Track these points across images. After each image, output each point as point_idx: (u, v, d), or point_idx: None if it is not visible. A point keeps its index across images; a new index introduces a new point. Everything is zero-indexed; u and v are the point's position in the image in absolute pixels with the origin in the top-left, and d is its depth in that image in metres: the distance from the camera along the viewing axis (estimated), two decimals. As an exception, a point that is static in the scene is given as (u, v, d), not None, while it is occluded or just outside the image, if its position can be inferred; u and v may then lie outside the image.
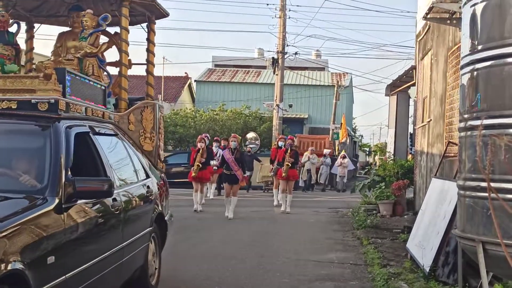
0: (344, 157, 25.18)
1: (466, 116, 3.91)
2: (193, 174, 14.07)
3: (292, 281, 6.94)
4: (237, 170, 12.74)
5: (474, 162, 3.78)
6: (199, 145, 14.17)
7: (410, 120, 22.03)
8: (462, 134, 4.05)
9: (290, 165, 14.31)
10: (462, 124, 4.05)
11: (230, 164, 12.81)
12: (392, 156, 18.28)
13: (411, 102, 18.98)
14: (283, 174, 14.40)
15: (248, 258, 8.28)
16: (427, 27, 12.16)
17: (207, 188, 16.84)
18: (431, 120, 11.56)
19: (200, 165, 13.85)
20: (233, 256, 8.48)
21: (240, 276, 7.17)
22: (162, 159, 7.56)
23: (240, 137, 12.99)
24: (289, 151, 14.57)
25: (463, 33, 4.31)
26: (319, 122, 34.58)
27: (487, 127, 3.51)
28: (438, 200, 7.60)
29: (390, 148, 20.45)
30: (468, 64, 3.95)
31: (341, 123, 29.98)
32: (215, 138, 16.58)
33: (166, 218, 6.64)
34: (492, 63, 3.68)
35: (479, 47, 3.80)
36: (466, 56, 4.04)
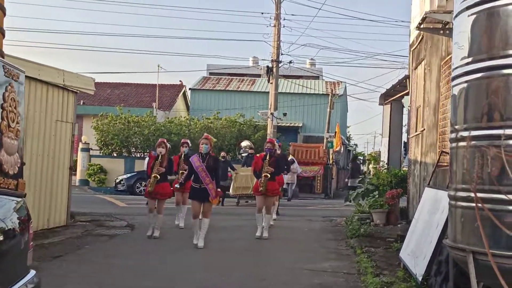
0: (292, 162, 21.18)
1: (457, 127, 3.95)
2: (148, 189, 10.88)
3: (286, 290, 6.96)
4: (208, 183, 9.63)
5: (464, 173, 3.82)
6: (158, 150, 11.00)
7: (404, 129, 22.13)
8: (453, 144, 4.09)
9: (269, 176, 11.12)
10: (453, 135, 4.10)
11: (199, 174, 9.65)
12: (386, 165, 18.31)
13: (405, 111, 19.06)
14: (260, 189, 11.13)
15: (241, 267, 8.30)
16: (421, 37, 12.24)
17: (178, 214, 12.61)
18: (424, 129, 11.62)
19: (158, 177, 10.70)
20: (226, 264, 8.50)
21: (235, 285, 7.18)
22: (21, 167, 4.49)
23: (214, 139, 10.67)
24: (267, 158, 11.30)
25: (454, 44, 4.36)
26: (313, 131, 34.64)
27: (476, 138, 3.56)
28: (431, 209, 7.64)
29: (384, 157, 20.47)
30: (458, 76, 4.00)
31: (335, 132, 30.03)
32: (182, 141, 13.21)
33: None
34: (482, 75, 3.73)
35: (470, 59, 3.85)
36: (457, 68, 4.09)
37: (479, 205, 2.46)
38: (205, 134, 11.29)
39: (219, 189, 9.90)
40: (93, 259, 8.65)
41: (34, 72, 10.65)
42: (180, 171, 11.87)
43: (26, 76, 10.31)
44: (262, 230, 11.11)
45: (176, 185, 10.99)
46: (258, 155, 12.52)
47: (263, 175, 11.07)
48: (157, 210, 10.82)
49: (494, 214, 3.20)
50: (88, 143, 27.65)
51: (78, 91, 12.69)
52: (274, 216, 12.23)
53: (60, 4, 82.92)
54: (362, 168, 24.82)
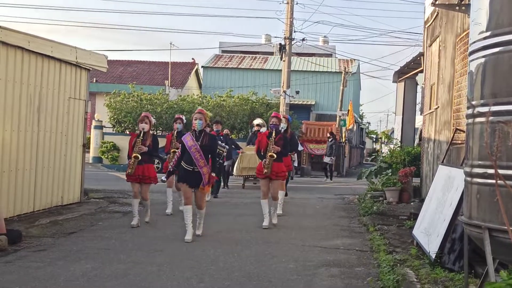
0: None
1: (474, 102, 3.89)
2: (129, 171, 9.31)
3: (298, 267, 6.97)
4: (202, 166, 8.16)
5: (481, 149, 3.77)
6: (140, 126, 9.37)
7: (418, 107, 21.96)
8: (470, 120, 4.03)
9: (275, 156, 9.49)
10: (469, 111, 4.03)
11: (193, 155, 8.17)
12: (399, 143, 18.26)
13: (419, 89, 18.92)
14: (264, 171, 9.55)
15: (252, 244, 8.33)
16: (436, 13, 12.08)
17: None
18: (438, 107, 11.53)
19: (139, 157, 9.12)
20: (238, 241, 8.52)
21: (246, 262, 7.21)
22: None
23: (209, 113, 8.88)
24: (273, 135, 9.63)
25: (471, 19, 4.27)
26: (326, 109, 34.52)
27: (494, 113, 3.50)
28: (445, 187, 7.60)
29: (397, 135, 20.39)
30: (476, 51, 3.93)
31: (348, 110, 29.89)
32: (176, 116, 11.86)
33: None
34: (500, 49, 3.65)
35: (488, 33, 3.77)
36: (474, 42, 4.01)
37: (500, 181, 2.42)
38: (199, 108, 9.73)
39: (213, 174, 8.45)
40: (106, 235, 8.71)
41: (47, 49, 10.64)
42: (172, 150, 10.74)
43: (41, 54, 10.36)
44: (270, 218, 9.78)
45: (162, 178, 9.54)
46: (262, 132, 11.02)
47: (268, 155, 9.44)
48: (142, 196, 9.47)
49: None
50: (101, 121, 27.76)
51: (91, 69, 12.69)
52: (275, 220, 9.97)
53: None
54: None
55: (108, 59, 13.47)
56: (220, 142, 12.74)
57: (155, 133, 10.18)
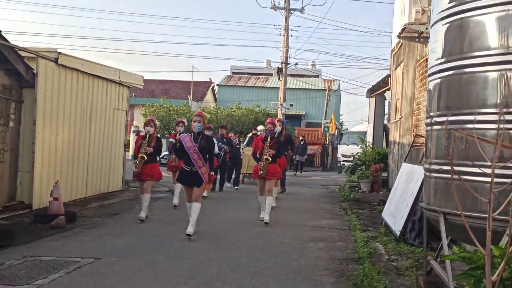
0: None
1: (432, 114, 3.87)
2: (135, 170, 8.18)
3: (292, 241, 6.95)
4: (201, 167, 6.92)
5: (437, 150, 3.75)
6: (146, 129, 8.26)
7: (385, 117, 21.89)
8: (428, 128, 4.01)
9: (270, 159, 8.31)
10: (428, 120, 4.01)
11: (191, 156, 6.93)
12: (371, 145, 18.21)
13: (386, 103, 18.86)
14: (260, 172, 8.33)
15: (257, 224, 8.31)
16: (400, 43, 12.04)
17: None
18: (402, 117, 11.48)
19: (145, 157, 8.07)
20: (245, 221, 8.51)
21: (252, 236, 7.20)
22: None
23: (208, 115, 6.94)
24: (268, 139, 8.44)
25: (430, 48, 4.25)
26: (313, 118, 34.44)
27: (448, 122, 3.48)
28: (407, 180, 7.57)
29: (370, 139, 20.31)
30: (434, 73, 3.91)
31: (331, 119, 29.81)
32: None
33: None
34: (453, 72, 3.63)
35: (443, 60, 3.75)
36: (432, 66, 3.99)
37: (455, 176, 2.40)
38: (198, 110, 7.80)
39: (212, 173, 7.18)
40: (142, 216, 8.68)
41: (97, 71, 10.65)
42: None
43: (91, 75, 10.38)
44: (264, 212, 8.52)
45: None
46: (258, 136, 9.53)
47: (264, 157, 8.31)
48: (144, 190, 8.21)
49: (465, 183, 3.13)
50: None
51: (131, 86, 12.69)
52: (267, 217, 8.36)
53: (115, 18, 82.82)
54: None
55: (144, 78, 13.48)
56: (222, 144, 12.27)
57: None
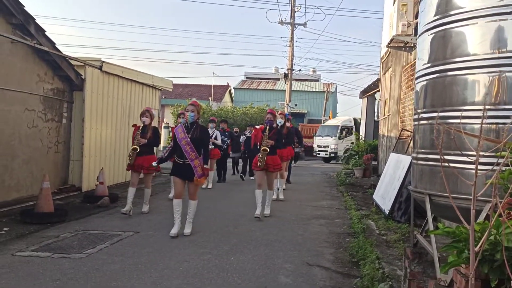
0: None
1: (419, 111, 3.80)
2: (129, 161, 6.77)
3: (297, 219, 6.92)
4: (193, 159, 5.44)
5: (423, 142, 3.69)
6: (142, 120, 6.74)
7: (375, 114, 21.68)
8: (416, 123, 3.94)
9: (268, 150, 6.78)
10: (416, 116, 3.94)
11: (183, 148, 5.47)
12: (363, 139, 18.09)
13: (376, 103, 18.66)
14: (258, 164, 6.76)
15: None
16: (388, 52, 11.88)
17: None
18: (390, 114, 11.35)
19: (138, 149, 6.65)
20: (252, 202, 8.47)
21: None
22: None
23: (203, 105, 5.68)
24: (267, 130, 6.91)
25: (418, 55, 4.17)
26: (314, 116, 34.25)
27: (432, 118, 3.42)
28: (395, 167, 7.49)
29: (362, 133, 20.19)
30: (420, 76, 3.83)
31: (329, 116, 29.65)
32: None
33: None
34: (437, 75, 3.56)
35: (429, 65, 3.68)
36: (419, 71, 3.91)
37: (444, 164, 2.35)
38: (193, 99, 6.61)
39: (206, 166, 5.55)
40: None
41: (134, 76, 10.67)
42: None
43: (129, 79, 10.40)
44: (262, 208, 6.86)
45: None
46: (258, 127, 7.35)
47: (262, 149, 6.79)
48: (145, 184, 7.11)
49: (448, 168, 3.07)
50: (168, 123, 27.77)
51: (162, 89, 12.70)
52: (267, 211, 7.06)
53: (149, 32, 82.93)
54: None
55: (173, 83, 13.47)
56: (224, 137, 11.14)
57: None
